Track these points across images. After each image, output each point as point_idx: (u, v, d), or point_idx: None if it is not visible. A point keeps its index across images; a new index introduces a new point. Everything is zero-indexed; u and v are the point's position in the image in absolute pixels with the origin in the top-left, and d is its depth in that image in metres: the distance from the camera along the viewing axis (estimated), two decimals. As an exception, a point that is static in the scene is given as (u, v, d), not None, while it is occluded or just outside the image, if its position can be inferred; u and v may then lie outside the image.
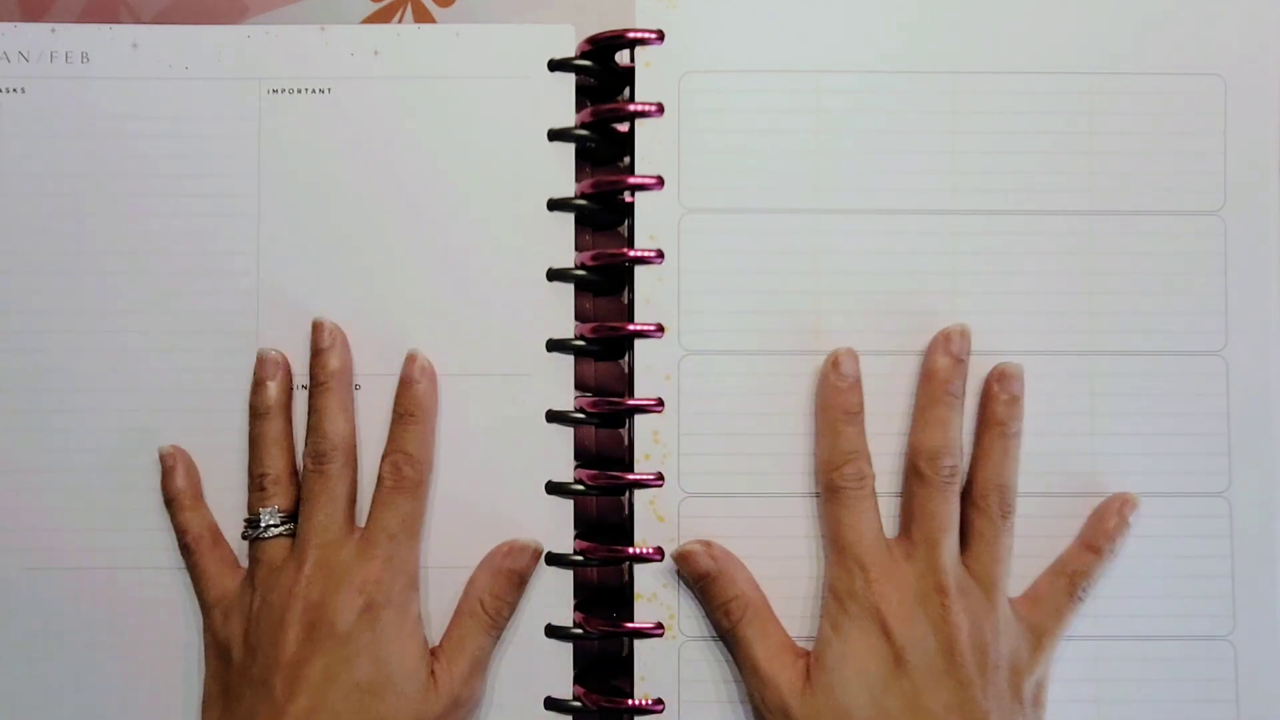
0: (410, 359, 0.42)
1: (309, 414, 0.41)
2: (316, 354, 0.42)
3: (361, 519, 0.41)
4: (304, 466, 0.41)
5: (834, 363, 0.41)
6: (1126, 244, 0.42)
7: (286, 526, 0.41)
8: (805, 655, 0.40)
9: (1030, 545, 0.41)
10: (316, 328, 0.42)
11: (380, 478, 0.41)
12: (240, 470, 0.42)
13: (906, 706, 0.38)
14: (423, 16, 0.44)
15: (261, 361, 0.42)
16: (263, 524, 0.40)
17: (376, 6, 0.44)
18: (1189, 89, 0.42)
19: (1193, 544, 0.42)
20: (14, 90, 0.42)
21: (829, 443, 0.41)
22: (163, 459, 0.42)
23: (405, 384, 0.42)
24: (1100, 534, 0.41)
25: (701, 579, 0.41)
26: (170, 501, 0.42)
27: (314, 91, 0.43)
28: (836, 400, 0.41)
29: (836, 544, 0.40)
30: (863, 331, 0.42)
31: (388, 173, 0.42)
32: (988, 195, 0.42)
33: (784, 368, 0.42)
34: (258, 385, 0.42)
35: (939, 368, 0.41)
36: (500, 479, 0.42)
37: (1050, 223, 0.42)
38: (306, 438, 0.41)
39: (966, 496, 0.41)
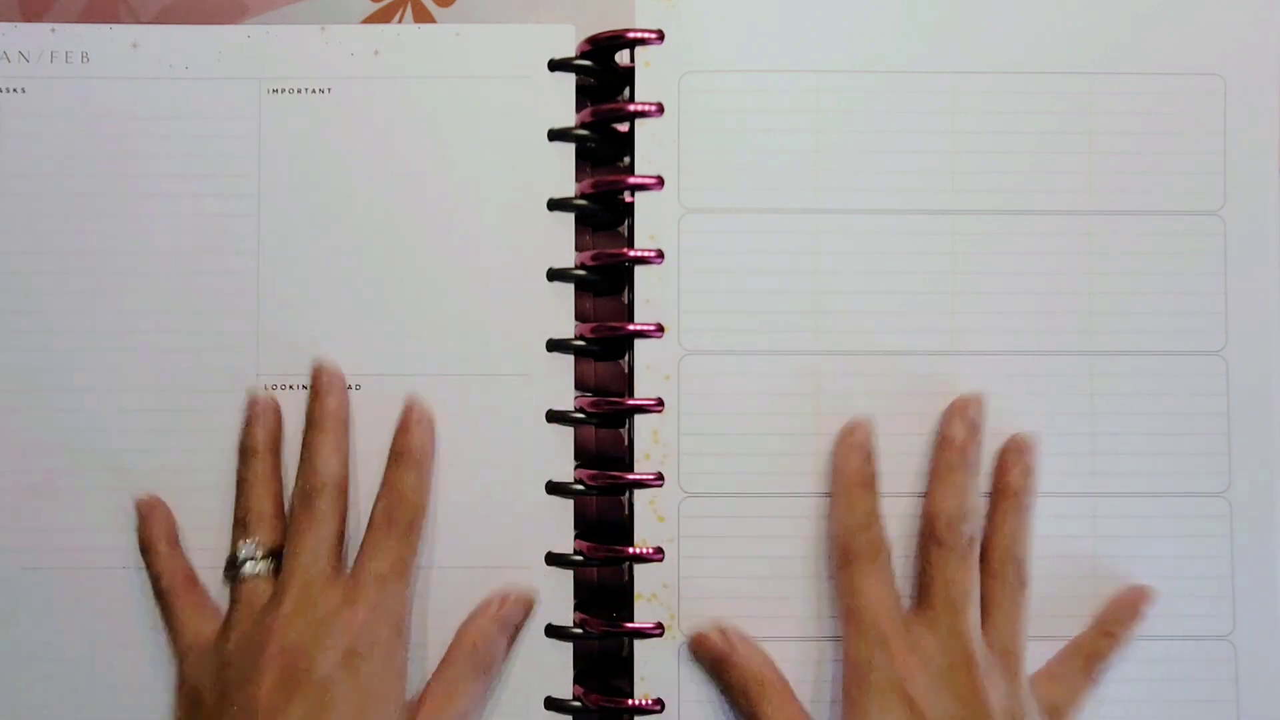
0: (409, 406, 0.41)
1: (302, 451, 0.40)
2: (315, 397, 0.41)
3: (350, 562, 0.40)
4: (291, 505, 0.40)
5: (849, 431, 0.41)
6: (1126, 244, 0.42)
7: (267, 563, 0.39)
8: None
9: (1035, 545, 0.41)
10: (317, 371, 0.41)
11: (371, 519, 0.40)
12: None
13: None
14: (423, 16, 0.44)
15: (252, 403, 0.41)
16: (241, 558, 0.39)
17: (376, 6, 0.44)
18: (1188, 89, 0.42)
19: (1193, 544, 0.42)
20: (14, 90, 0.42)
21: (843, 510, 0.40)
22: (137, 507, 0.41)
23: (404, 428, 0.41)
24: (1117, 621, 0.41)
25: (718, 662, 0.40)
26: (145, 550, 0.41)
27: (314, 91, 0.43)
28: (852, 467, 0.40)
29: (853, 614, 0.39)
30: (862, 332, 0.42)
31: (388, 173, 0.42)
32: (988, 195, 0.42)
33: (784, 368, 0.42)
34: (246, 427, 0.41)
35: (956, 434, 0.40)
36: (500, 479, 0.42)
37: (1050, 222, 0.42)
38: (297, 475, 0.40)
39: (983, 565, 0.40)
